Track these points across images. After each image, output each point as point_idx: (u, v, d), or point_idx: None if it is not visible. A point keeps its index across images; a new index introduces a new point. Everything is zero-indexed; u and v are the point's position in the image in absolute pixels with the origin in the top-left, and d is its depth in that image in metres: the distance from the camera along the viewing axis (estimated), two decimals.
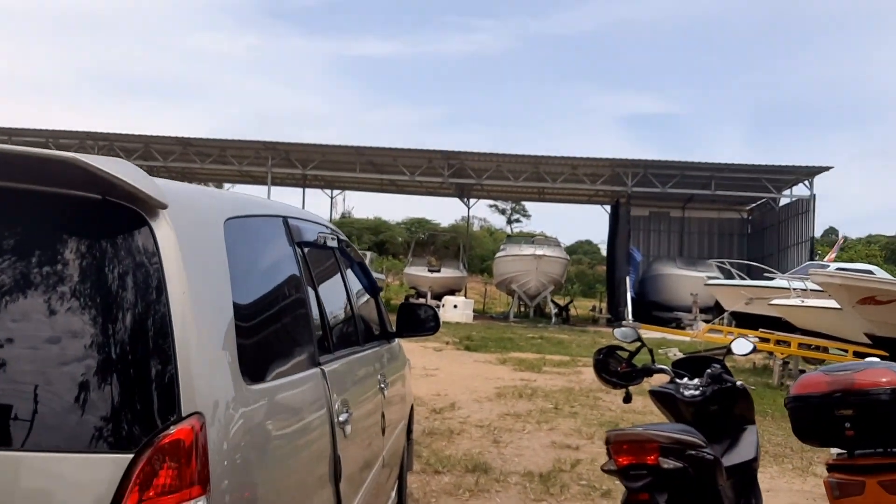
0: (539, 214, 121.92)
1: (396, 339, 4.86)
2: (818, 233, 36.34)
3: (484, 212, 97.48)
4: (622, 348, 4.31)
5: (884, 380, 3.54)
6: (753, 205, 35.61)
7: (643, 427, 3.29)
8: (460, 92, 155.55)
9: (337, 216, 63.31)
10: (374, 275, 21.09)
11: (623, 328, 4.58)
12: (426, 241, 50.59)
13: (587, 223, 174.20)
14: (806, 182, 28.92)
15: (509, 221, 73.41)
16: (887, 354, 11.52)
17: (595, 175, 30.95)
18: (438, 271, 30.57)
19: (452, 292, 31.23)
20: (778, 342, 13.24)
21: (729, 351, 4.41)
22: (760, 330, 13.71)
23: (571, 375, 12.82)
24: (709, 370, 3.89)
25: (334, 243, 3.52)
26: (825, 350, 12.60)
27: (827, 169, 27.74)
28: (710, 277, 18.92)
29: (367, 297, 4.25)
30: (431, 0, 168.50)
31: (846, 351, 12.77)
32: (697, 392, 3.81)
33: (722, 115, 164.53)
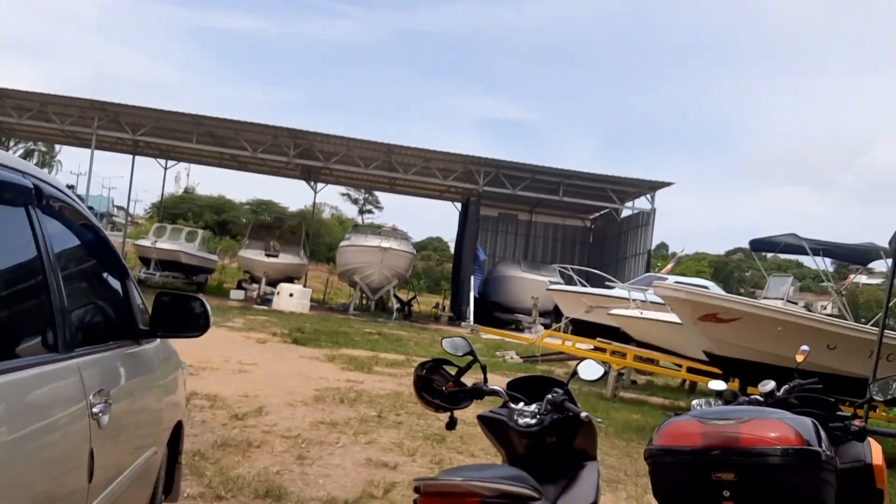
0: (392, 207, 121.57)
1: (160, 340, 3.66)
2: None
3: (336, 199, 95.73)
4: (451, 362, 3.52)
5: (772, 435, 2.74)
6: (597, 214, 36.28)
7: (462, 474, 2.54)
8: (319, 78, 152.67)
9: (180, 190, 59.83)
10: (206, 255, 19.21)
11: (454, 339, 3.59)
12: (272, 225, 48.46)
13: (439, 220, 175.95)
14: (648, 195, 29.58)
15: (361, 211, 72.27)
16: (721, 373, 11.36)
17: (447, 170, 30.31)
18: (276, 256, 28.85)
19: (291, 280, 29.64)
20: (614, 353, 12.90)
21: (574, 374, 3.55)
22: (598, 339, 13.35)
23: (403, 378, 11.85)
24: (550, 396, 3.14)
25: (27, 195, 2.27)
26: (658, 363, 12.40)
27: (668, 184, 28.48)
28: (552, 282, 18.64)
29: (94, 280, 3.02)
30: None
31: (680, 366, 12.59)
32: (534, 421, 3.10)
33: (574, 128, 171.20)
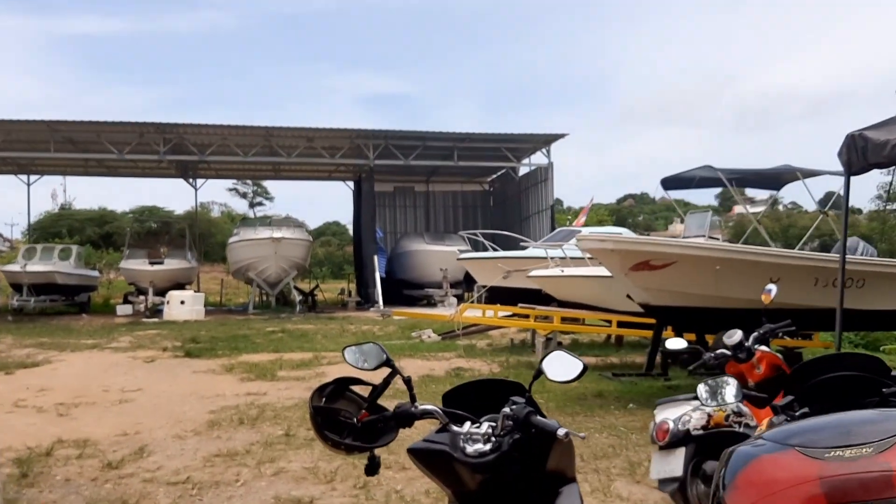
0: (283, 197, 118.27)
1: None
2: None
3: (224, 196, 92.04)
4: (360, 380, 2.58)
5: None
6: (494, 176, 35.49)
7: None
8: (190, 73, 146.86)
9: (55, 208, 55.68)
10: (84, 272, 16.92)
11: (360, 347, 2.56)
12: (158, 231, 45.65)
13: (334, 203, 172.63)
14: (543, 150, 28.85)
15: (251, 205, 69.67)
16: (654, 322, 10.55)
17: (334, 148, 28.67)
18: (161, 263, 26.59)
19: (182, 286, 27.48)
20: (538, 318, 11.94)
21: (539, 373, 2.38)
22: (520, 305, 12.35)
23: (312, 380, 10.51)
24: (507, 409, 2.16)
25: None
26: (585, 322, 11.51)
27: (562, 136, 27.80)
28: (461, 251, 17.57)
29: None
30: None
31: (609, 322, 11.73)
32: (488, 447, 2.12)
33: (457, 94, 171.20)
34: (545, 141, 28.29)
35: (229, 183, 63.80)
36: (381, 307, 25.22)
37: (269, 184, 65.56)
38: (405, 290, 29.89)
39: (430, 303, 28.57)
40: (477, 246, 32.10)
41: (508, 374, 10.95)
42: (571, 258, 12.35)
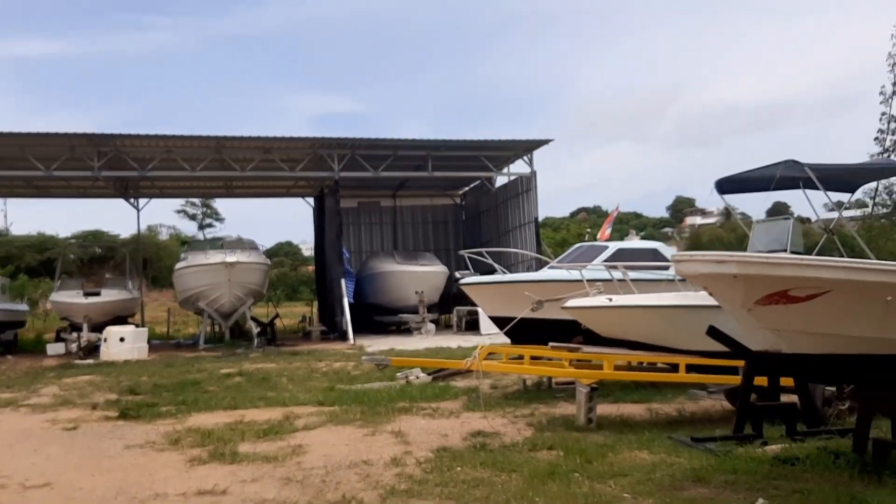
0: (235, 217, 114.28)
1: None
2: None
3: (172, 218, 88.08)
4: None
5: None
6: (467, 188, 32.92)
7: None
8: (139, 94, 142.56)
9: None
10: (9, 307, 12.72)
11: None
12: (103, 257, 42.16)
13: (289, 223, 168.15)
14: (525, 158, 26.32)
15: (201, 227, 66.27)
16: (744, 366, 8.00)
17: (293, 160, 25.70)
18: (98, 294, 23.21)
19: (123, 319, 24.18)
20: (578, 361, 9.23)
21: None
22: (551, 345, 9.64)
23: (287, 462, 7.65)
24: None
25: None
26: (653, 368, 8.83)
27: (546, 142, 25.29)
28: (460, 273, 14.85)
29: None
30: None
31: (676, 366, 9.07)
32: None
33: (410, 113, 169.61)
34: (526, 148, 25.76)
35: (177, 204, 60.44)
36: (351, 337, 22.40)
37: (219, 204, 62.27)
38: (375, 315, 27.07)
39: (405, 330, 25.77)
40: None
41: (546, 439, 8.23)
42: (619, 280, 9.74)
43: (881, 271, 5.67)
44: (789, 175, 9.21)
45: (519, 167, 26.98)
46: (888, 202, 28.67)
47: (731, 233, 46.63)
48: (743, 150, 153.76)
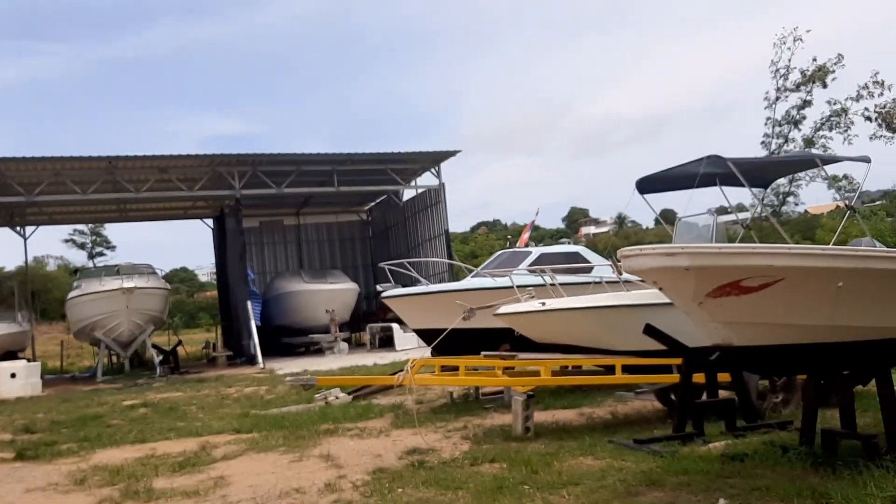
0: (127, 244, 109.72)
1: None
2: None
3: (59, 248, 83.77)
4: None
5: None
6: (373, 203, 32.43)
7: None
8: (22, 123, 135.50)
9: None
10: None
11: None
12: None
13: (186, 248, 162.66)
14: (433, 170, 26.06)
15: (91, 256, 62.98)
16: (681, 364, 7.89)
17: (192, 179, 24.60)
18: None
19: (13, 354, 22.51)
20: (507, 369, 8.90)
21: None
22: (483, 354, 9.29)
23: (210, 495, 7.00)
24: None
25: None
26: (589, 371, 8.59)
27: (454, 153, 25.16)
28: (381, 286, 14.35)
29: None
30: None
31: (612, 367, 8.86)
32: None
33: (305, 133, 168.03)
34: (434, 160, 25.53)
35: (65, 233, 57.40)
36: (262, 364, 21.51)
37: (110, 231, 59.46)
38: (284, 337, 26.21)
39: (316, 350, 25.01)
40: (358, 279, 28.82)
41: (485, 452, 7.85)
42: (551, 286, 9.49)
43: (833, 256, 5.57)
44: (711, 171, 9.17)
45: (427, 180, 26.77)
46: (775, 203, 29.75)
47: (625, 240, 48.00)
48: (631, 160, 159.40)
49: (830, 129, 26.96)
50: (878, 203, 29.75)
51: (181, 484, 7.56)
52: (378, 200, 31.67)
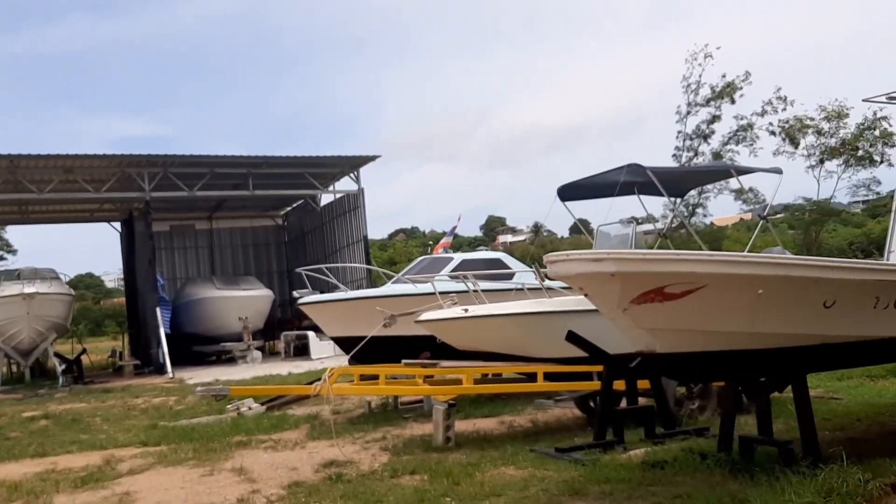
0: (28, 248, 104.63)
1: None
2: None
3: None
4: None
5: None
6: (289, 208, 31.84)
7: None
8: None
9: None
10: None
11: None
12: None
13: (88, 252, 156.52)
14: (352, 175, 25.74)
15: None
16: (602, 372, 7.93)
17: (99, 181, 23.60)
18: None
19: None
20: (428, 378, 8.77)
21: None
22: (404, 362, 9.13)
23: None
24: None
25: None
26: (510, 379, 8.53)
27: (373, 158, 24.94)
28: (298, 293, 13.94)
29: None
30: None
31: (534, 375, 8.83)
32: None
33: (219, 136, 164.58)
34: (353, 164, 25.24)
35: None
36: (171, 374, 20.76)
37: (11, 234, 56.59)
38: (195, 346, 25.40)
39: (228, 359, 24.32)
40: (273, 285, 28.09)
41: (406, 463, 7.69)
42: (474, 291, 9.40)
43: (753, 264, 5.65)
44: (631, 180, 9.28)
45: (345, 184, 26.40)
46: (685, 214, 30.59)
47: (542, 248, 48.62)
48: (547, 169, 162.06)
49: (737, 143, 27.95)
50: (780, 216, 30.94)
51: (84, 500, 7.17)
52: (294, 205, 31.08)
